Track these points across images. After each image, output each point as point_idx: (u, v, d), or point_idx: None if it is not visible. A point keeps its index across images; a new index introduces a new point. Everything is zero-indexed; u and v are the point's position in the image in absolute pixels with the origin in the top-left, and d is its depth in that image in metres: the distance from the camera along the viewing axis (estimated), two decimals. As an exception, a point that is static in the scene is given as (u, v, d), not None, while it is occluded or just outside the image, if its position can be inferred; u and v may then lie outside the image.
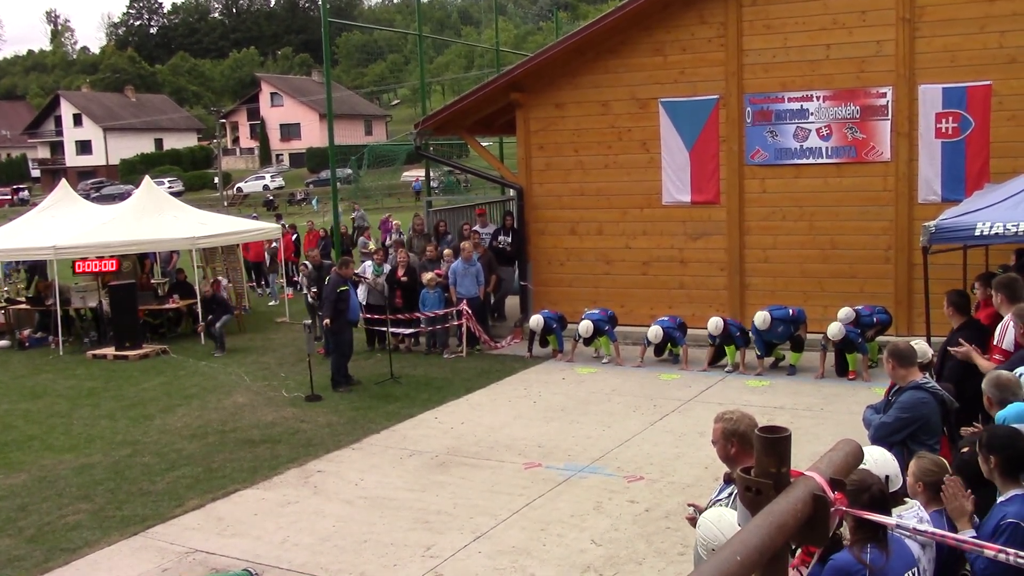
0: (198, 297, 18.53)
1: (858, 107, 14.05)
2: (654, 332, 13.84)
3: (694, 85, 15.06)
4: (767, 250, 14.87)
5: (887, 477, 4.20)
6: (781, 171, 14.64)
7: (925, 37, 13.60)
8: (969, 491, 4.42)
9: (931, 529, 3.94)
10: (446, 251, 16.34)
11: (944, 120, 13.56)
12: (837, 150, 14.26)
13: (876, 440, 5.98)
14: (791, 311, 13.28)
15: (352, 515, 8.80)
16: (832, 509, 2.40)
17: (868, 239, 14.18)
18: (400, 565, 7.65)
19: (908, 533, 3.76)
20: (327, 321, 13.55)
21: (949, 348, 7.56)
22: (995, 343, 7.45)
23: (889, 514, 3.79)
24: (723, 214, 15.10)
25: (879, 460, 4.25)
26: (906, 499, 4.32)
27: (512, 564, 7.56)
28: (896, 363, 6.24)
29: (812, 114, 14.32)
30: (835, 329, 12.46)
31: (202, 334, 17.27)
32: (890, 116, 13.90)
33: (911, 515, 4.17)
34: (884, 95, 13.90)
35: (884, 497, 3.87)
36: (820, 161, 14.37)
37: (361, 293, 15.99)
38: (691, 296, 15.20)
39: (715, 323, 13.42)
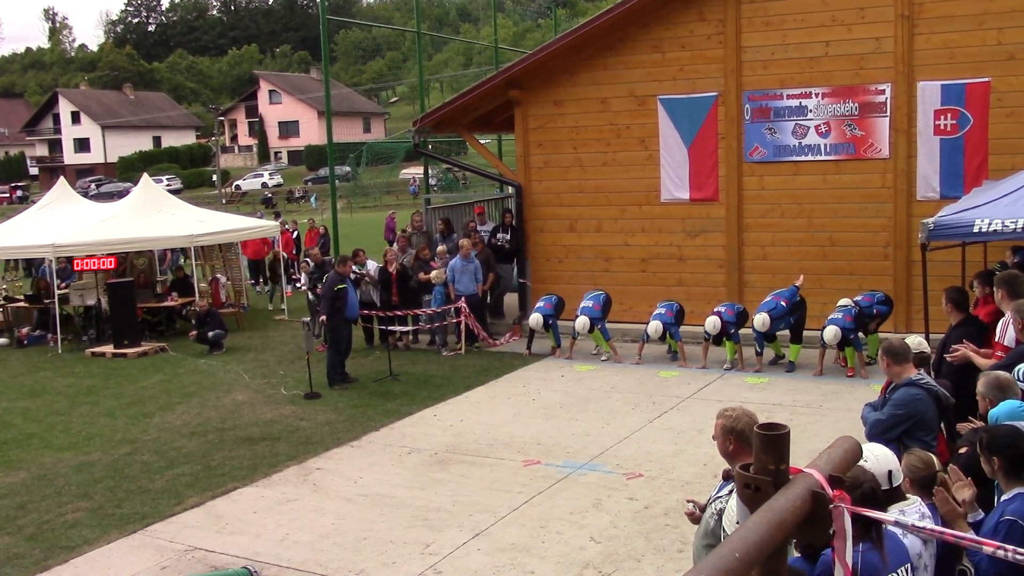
0: (196, 295, 18.56)
1: (857, 104, 14.05)
2: (654, 327, 13.79)
3: (693, 82, 15.06)
4: (766, 247, 14.87)
5: (890, 472, 4.18)
6: (780, 168, 14.65)
7: (924, 34, 13.61)
8: (969, 478, 4.41)
9: (929, 526, 3.93)
10: (440, 248, 16.34)
11: (943, 117, 13.57)
12: (836, 147, 14.27)
13: (872, 437, 5.99)
14: (783, 302, 13.08)
15: (351, 513, 8.81)
16: (831, 506, 2.40)
17: (867, 236, 14.19)
18: (399, 563, 7.65)
19: (906, 529, 3.76)
20: (323, 318, 13.55)
21: (946, 355, 7.57)
22: (996, 339, 7.46)
23: (883, 511, 3.78)
24: (722, 211, 15.10)
25: (880, 456, 4.23)
26: (908, 495, 4.31)
27: (511, 561, 7.57)
28: (891, 360, 6.26)
29: (811, 111, 14.32)
30: (831, 334, 12.39)
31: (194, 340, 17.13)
32: (889, 113, 13.90)
33: (913, 511, 4.16)
34: (883, 92, 13.90)
35: (876, 494, 3.86)
36: (819, 158, 14.38)
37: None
38: (690, 293, 15.20)
39: (713, 323, 13.32)
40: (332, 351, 13.71)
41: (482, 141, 19.60)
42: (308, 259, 17.47)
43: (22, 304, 19.74)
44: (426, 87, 26.46)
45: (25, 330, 18.91)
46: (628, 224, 15.79)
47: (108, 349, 16.88)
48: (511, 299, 17.44)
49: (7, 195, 72.76)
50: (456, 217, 18.90)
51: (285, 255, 21.67)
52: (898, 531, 3.82)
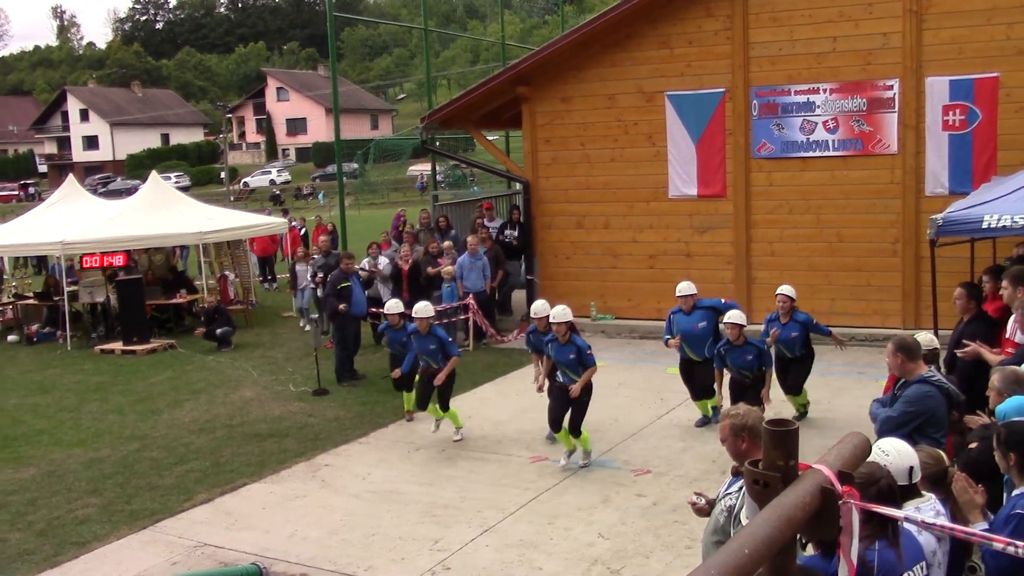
0: (203, 291, 18.60)
1: (865, 100, 14.01)
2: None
3: (700, 78, 15.03)
4: (773, 243, 14.85)
5: (910, 468, 4.15)
6: (788, 164, 14.62)
7: (932, 29, 13.56)
8: (980, 486, 4.40)
9: (941, 522, 3.92)
10: (446, 243, 16.33)
11: (951, 112, 13.53)
12: (844, 143, 14.23)
13: (882, 434, 5.97)
14: (723, 300, 11.04)
15: (360, 509, 8.83)
16: (840, 502, 2.40)
17: (875, 232, 14.16)
18: (408, 558, 7.67)
19: (917, 526, 3.74)
20: (342, 306, 13.44)
21: (957, 352, 7.54)
22: (1007, 336, 7.44)
23: (899, 507, 3.76)
24: (730, 207, 15.08)
25: (902, 451, 4.19)
26: (923, 492, 4.29)
27: (519, 557, 7.58)
28: (904, 357, 6.23)
29: (818, 107, 14.29)
30: (736, 315, 9.97)
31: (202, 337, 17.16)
32: (897, 109, 13.86)
33: (928, 508, 4.14)
34: (891, 87, 13.86)
35: (892, 491, 3.83)
36: (827, 154, 14.35)
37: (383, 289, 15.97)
38: (698, 290, 15.15)
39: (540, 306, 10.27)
40: (340, 348, 13.73)
41: (490, 138, 19.60)
42: (318, 253, 17.44)
43: (32, 301, 19.81)
44: (433, 84, 26.48)
45: (35, 327, 18.98)
46: (636, 220, 15.77)
47: (117, 346, 16.94)
48: (519, 296, 17.45)
49: (17, 192, 72.95)
50: (463, 214, 18.90)
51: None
52: (912, 528, 3.80)
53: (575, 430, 9.47)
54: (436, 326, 10.86)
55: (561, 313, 9.40)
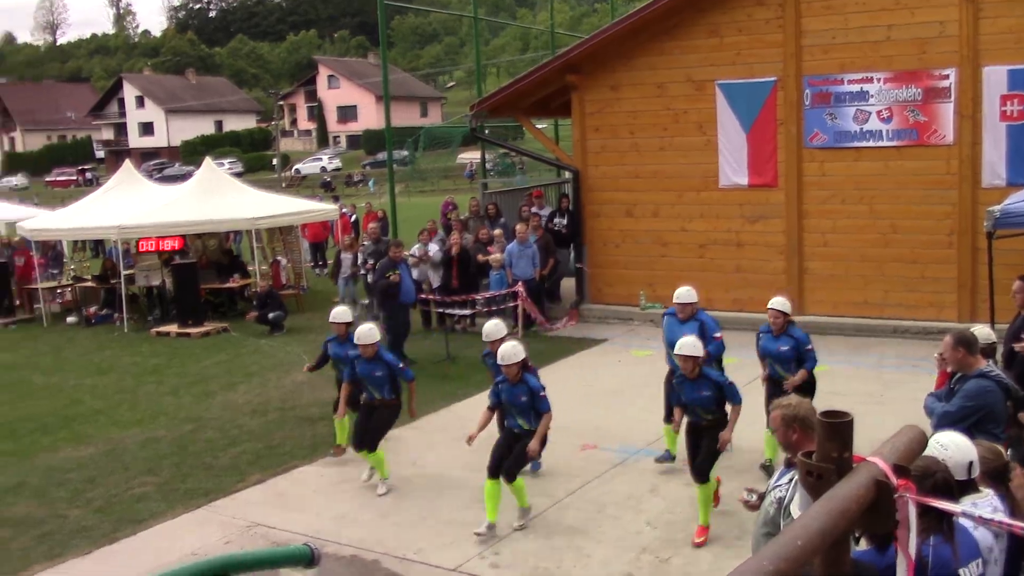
0: (256, 275, 18.86)
1: (920, 89, 13.79)
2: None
3: (751, 67, 14.90)
4: (826, 234, 14.69)
5: (970, 463, 4.09)
6: (841, 154, 14.44)
7: (989, 18, 13.29)
8: None
9: (999, 518, 3.88)
10: (496, 231, 16.39)
11: (1009, 102, 13.26)
12: (898, 133, 14.03)
13: (939, 428, 5.91)
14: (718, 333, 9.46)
15: (410, 493, 8.94)
16: (896, 496, 2.41)
17: (930, 223, 13.94)
18: (456, 543, 7.76)
19: (974, 521, 3.70)
20: (392, 276, 13.46)
21: (1014, 346, 7.43)
22: None
23: (956, 502, 3.71)
24: (781, 197, 14.94)
25: (960, 446, 4.12)
26: (981, 488, 4.23)
27: (568, 544, 7.63)
28: (966, 351, 6.13)
29: (872, 96, 14.08)
30: (690, 344, 7.96)
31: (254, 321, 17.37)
32: (953, 98, 13.62)
33: (985, 504, 4.08)
34: (947, 77, 13.62)
35: (949, 484, 3.77)
36: (880, 144, 14.15)
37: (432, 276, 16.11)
38: (748, 280, 15.08)
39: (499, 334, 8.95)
40: (390, 334, 13.84)
41: (539, 126, 19.58)
42: (368, 240, 17.59)
43: (90, 284, 20.26)
44: (483, 72, 26.50)
45: (93, 309, 19.41)
46: (685, 209, 15.69)
47: (172, 329, 17.26)
48: (568, 284, 17.47)
49: (75, 178, 74.36)
50: (513, 202, 18.93)
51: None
52: (968, 524, 3.76)
53: (510, 475, 8.04)
54: (384, 351, 9.46)
55: (511, 353, 8.07)
